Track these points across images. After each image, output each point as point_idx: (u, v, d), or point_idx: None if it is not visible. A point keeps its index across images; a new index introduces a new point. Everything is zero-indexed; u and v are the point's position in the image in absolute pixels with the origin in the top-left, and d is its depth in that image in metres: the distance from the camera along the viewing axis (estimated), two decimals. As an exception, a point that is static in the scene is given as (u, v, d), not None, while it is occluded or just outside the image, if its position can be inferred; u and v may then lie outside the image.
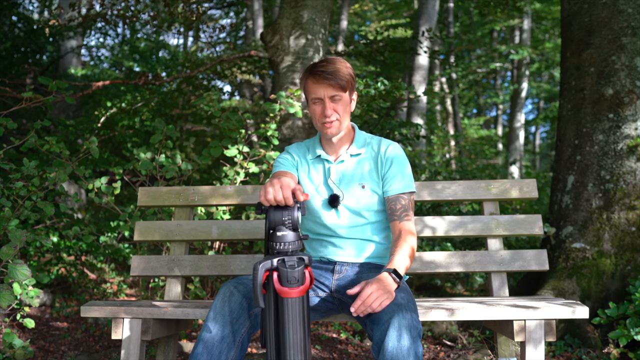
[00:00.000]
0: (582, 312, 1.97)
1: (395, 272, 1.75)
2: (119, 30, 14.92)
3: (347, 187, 2.02)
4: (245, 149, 3.36)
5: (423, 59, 8.76)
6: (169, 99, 8.51)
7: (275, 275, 1.56)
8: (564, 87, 3.73)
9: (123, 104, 7.24)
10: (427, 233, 2.52)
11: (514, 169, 11.36)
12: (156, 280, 3.75)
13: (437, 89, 12.40)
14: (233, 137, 3.43)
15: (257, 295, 1.55)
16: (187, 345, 3.17)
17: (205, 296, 3.39)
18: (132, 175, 5.23)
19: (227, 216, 3.28)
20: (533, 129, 22.41)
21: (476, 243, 4.41)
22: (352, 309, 1.64)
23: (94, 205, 6.62)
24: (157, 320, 2.15)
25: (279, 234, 1.59)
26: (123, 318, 2.10)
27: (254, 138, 4.25)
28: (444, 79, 13.63)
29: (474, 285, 4.66)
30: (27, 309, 2.90)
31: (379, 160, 2.04)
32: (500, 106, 17.69)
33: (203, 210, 3.35)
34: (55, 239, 4.30)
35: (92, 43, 15.56)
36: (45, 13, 12.61)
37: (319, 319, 2.08)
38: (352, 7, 14.27)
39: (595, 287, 3.22)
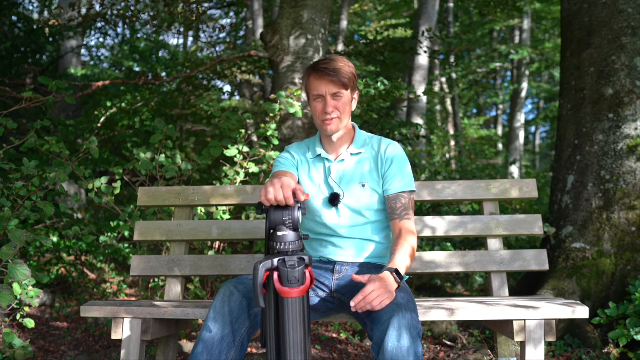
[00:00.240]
0: (582, 312, 1.97)
1: (396, 272, 1.75)
2: (119, 30, 14.94)
3: (348, 186, 2.02)
4: (245, 149, 3.36)
5: (423, 59, 8.76)
6: (169, 99, 8.51)
7: (275, 275, 1.56)
8: (564, 87, 3.73)
9: (123, 104, 7.24)
10: (427, 233, 2.52)
11: (514, 169, 11.36)
12: (156, 280, 3.75)
13: (437, 89, 12.40)
14: (233, 137, 3.43)
15: (258, 295, 1.55)
16: (187, 345, 3.17)
17: (205, 296, 3.39)
18: (132, 175, 5.23)
19: (227, 216, 3.28)
20: (533, 129, 22.41)
21: (476, 243, 4.41)
22: (352, 304, 1.64)
23: (94, 205, 6.62)
24: (157, 320, 2.15)
25: (279, 233, 1.59)
26: (123, 318, 2.10)
27: (254, 138, 4.25)
28: (444, 79, 13.63)
29: (474, 285, 4.66)
30: (27, 309, 2.90)
31: (379, 160, 2.04)
32: (500, 106, 17.70)
33: (203, 210, 3.35)
34: (55, 239, 4.30)
35: (92, 43, 15.58)
36: (45, 13, 12.61)
37: (319, 319, 2.08)
38: (352, 7, 14.27)
39: (595, 287, 3.22)
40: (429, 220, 2.53)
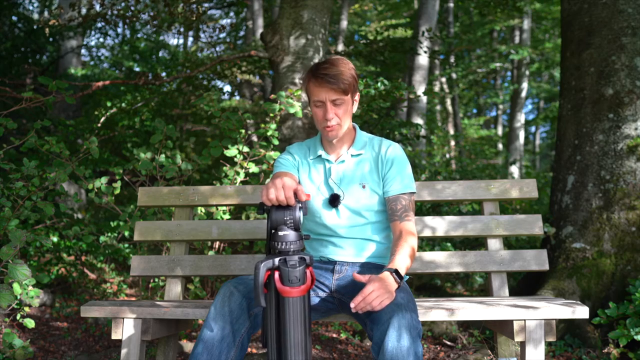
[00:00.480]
0: (582, 312, 1.97)
1: (396, 272, 1.75)
2: (119, 30, 14.93)
3: (348, 187, 2.03)
4: (245, 149, 3.36)
5: (423, 59, 8.76)
6: (169, 99, 8.51)
7: (276, 274, 1.57)
8: (564, 87, 3.73)
9: (123, 104, 7.24)
10: (427, 233, 2.52)
11: (514, 169, 11.36)
12: (156, 280, 3.75)
13: (437, 89, 12.40)
14: (233, 137, 3.43)
15: (259, 295, 1.55)
16: (187, 345, 3.17)
17: (205, 296, 3.39)
18: (132, 175, 5.23)
19: (227, 216, 3.28)
20: (533, 129, 22.41)
21: (476, 243, 4.41)
22: (351, 304, 1.64)
23: (94, 205, 6.62)
24: (157, 320, 2.15)
25: (280, 233, 1.60)
26: (123, 318, 2.10)
27: (254, 138, 4.25)
28: (444, 79, 13.63)
29: (474, 285, 4.66)
30: (27, 309, 2.90)
31: (380, 161, 2.04)
32: (500, 106, 17.69)
33: (203, 210, 3.35)
34: (55, 239, 4.30)
35: (92, 43, 15.57)
36: (45, 13, 12.61)
37: (319, 319, 2.08)
38: (352, 7, 14.27)
39: (595, 287, 3.22)
40: (429, 220, 2.53)
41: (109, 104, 7.25)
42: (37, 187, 3.01)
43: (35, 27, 9.02)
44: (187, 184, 4.27)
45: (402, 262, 1.81)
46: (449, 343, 3.33)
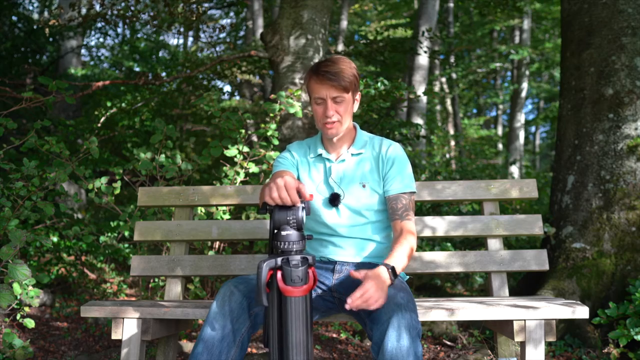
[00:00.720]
0: (582, 312, 1.97)
1: (392, 269, 1.76)
2: (119, 30, 14.93)
3: (348, 187, 2.03)
4: (245, 149, 3.36)
5: (423, 59, 8.76)
6: (169, 99, 8.51)
7: (279, 274, 1.58)
8: (564, 87, 3.73)
9: (123, 104, 7.24)
10: (427, 233, 2.52)
11: (514, 169, 11.36)
12: (156, 280, 3.74)
13: (437, 89, 12.40)
14: (233, 137, 3.43)
15: (261, 294, 1.56)
16: (187, 345, 3.17)
17: (205, 296, 3.39)
18: (132, 175, 5.23)
19: (227, 216, 3.28)
20: (533, 129, 22.40)
21: (476, 243, 4.41)
22: (348, 301, 1.63)
23: (94, 205, 6.62)
24: (157, 320, 2.15)
25: (283, 233, 1.61)
26: (123, 318, 2.10)
27: (254, 138, 4.25)
28: (444, 79, 13.62)
29: (474, 285, 4.66)
30: (27, 309, 2.90)
31: (380, 160, 2.04)
32: (500, 106, 17.69)
33: (203, 210, 3.35)
34: (55, 239, 4.30)
35: (92, 43, 15.58)
36: (45, 13, 12.61)
37: (319, 319, 2.09)
38: (352, 7, 14.27)
39: (595, 287, 3.22)
40: (429, 220, 2.53)
41: (109, 104, 7.25)
42: (37, 187, 3.01)
43: (35, 27, 9.02)
44: (187, 184, 4.27)
45: (399, 260, 1.82)
46: (449, 343, 3.33)
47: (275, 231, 1.63)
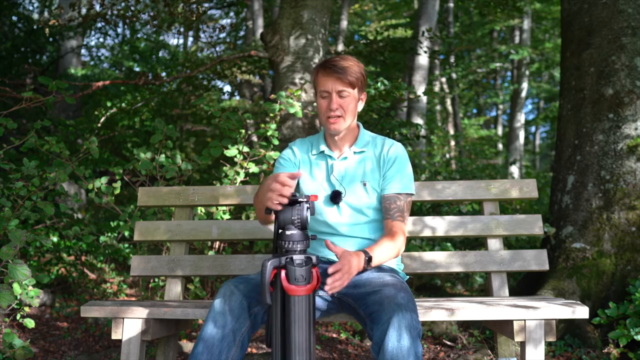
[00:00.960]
0: (582, 312, 1.97)
1: (369, 259, 1.81)
2: (119, 30, 14.93)
3: (349, 185, 2.03)
4: (245, 149, 3.36)
5: (423, 59, 8.76)
6: (169, 99, 8.51)
7: (283, 273, 1.59)
8: (564, 87, 3.73)
9: (123, 104, 7.24)
10: (427, 233, 2.52)
11: (514, 169, 11.35)
12: (156, 280, 3.74)
13: (437, 89, 12.40)
14: (233, 137, 3.43)
15: (265, 292, 1.57)
16: (187, 345, 3.17)
17: (205, 296, 3.39)
18: (132, 175, 5.23)
19: (227, 216, 3.28)
20: (533, 129, 22.40)
21: (476, 243, 4.41)
22: (326, 288, 1.64)
23: (94, 205, 6.62)
24: (157, 320, 2.15)
25: (287, 233, 1.62)
26: (123, 318, 2.10)
27: (254, 138, 4.25)
28: (444, 79, 13.62)
29: (474, 285, 4.66)
30: (27, 309, 2.90)
31: (382, 159, 2.05)
32: (500, 106, 17.69)
33: (203, 210, 3.34)
34: (55, 239, 4.29)
35: (92, 43, 15.57)
36: (45, 13, 12.61)
37: (319, 319, 2.08)
38: (352, 7, 14.27)
39: (595, 287, 3.22)
40: (429, 220, 2.53)
41: (109, 104, 7.25)
42: (37, 187, 3.01)
43: (35, 27, 9.02)
44: (187, 184, 4.27)
45: (380, 254, 1.86)
46: (449, 343, 3.33)
47: (280, 231, 1.65)
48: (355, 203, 2.01)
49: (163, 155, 3.40)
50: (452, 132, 13.91)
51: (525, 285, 3.64)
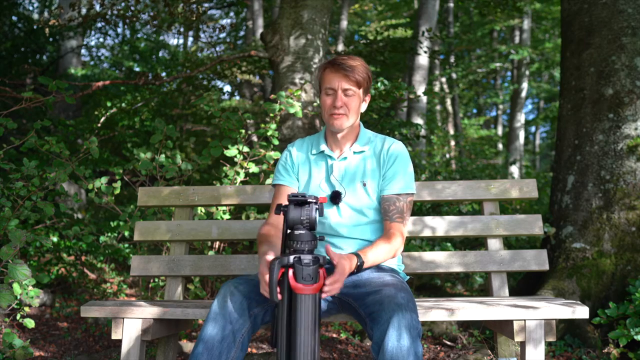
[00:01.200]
0: (582, 312, 1.97)
1: (360, 265, 1.81)
2: (119, 30, 14.92)
3: (349, 185, 2.03)
4: (245, 149, 3.36)
5: (423, 59, 8.76)
6: (169, 99, 8.51)
7: (290, 272, 1.60)
8: (564, 87, 3.73)
9: (123, 104, 7.24)
10: (427, 233, 2.52)
11: (514, 169, 11.35)
12: (156, 280, 3.74)
13: (437, 89, 12.40)
14: (233, 137, 3.43)
15: (273, 290, 1.58)
16: (187, 345, 3.17)
17: (205, 296, 3.39)
18: (132, 175, 5.23)
19: (227, 216, 3.28)
20: (533, 129, 22.40)
21: (476, 243, 4.41)
22: (326, 289, 1.65)
23: (94, 205, 6.62)
24: (157, 320, 2.15)
25: (296, 232, 1.64)
26: (123, 318, 2.10)
27: (254, 138, 4.25)
28: (444, 79, 13.62)
29: (474, 285, 4.66)
30: (27, 309, 2.90)
31: (382, 158, 2.04)
32: (500, 106, 17.69)
33: (203, 210, 3.34)
34: (55, 239, 4.29)
35: (92, 43, 15.57)
36: (45, 13, 12.61)
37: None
38: (352, 7, 14.27)
39: (595, 287, 3.22)
40: (429, 220, 2.53)
41: (109, 104, 7.25)
42: (37, 187, 3.01)
43: (35, 27, 9.02)
44: (187, 184, 4.27)
45: (373, 256, 1.86)
46: (449, 343, 3.33)
47: (289, 231, 1.67)
48: (355, 204, 2.01)
49: (163, 155, 3.40)
50: (452, 132, 13.91)
51: (525, 285, 3.64)
